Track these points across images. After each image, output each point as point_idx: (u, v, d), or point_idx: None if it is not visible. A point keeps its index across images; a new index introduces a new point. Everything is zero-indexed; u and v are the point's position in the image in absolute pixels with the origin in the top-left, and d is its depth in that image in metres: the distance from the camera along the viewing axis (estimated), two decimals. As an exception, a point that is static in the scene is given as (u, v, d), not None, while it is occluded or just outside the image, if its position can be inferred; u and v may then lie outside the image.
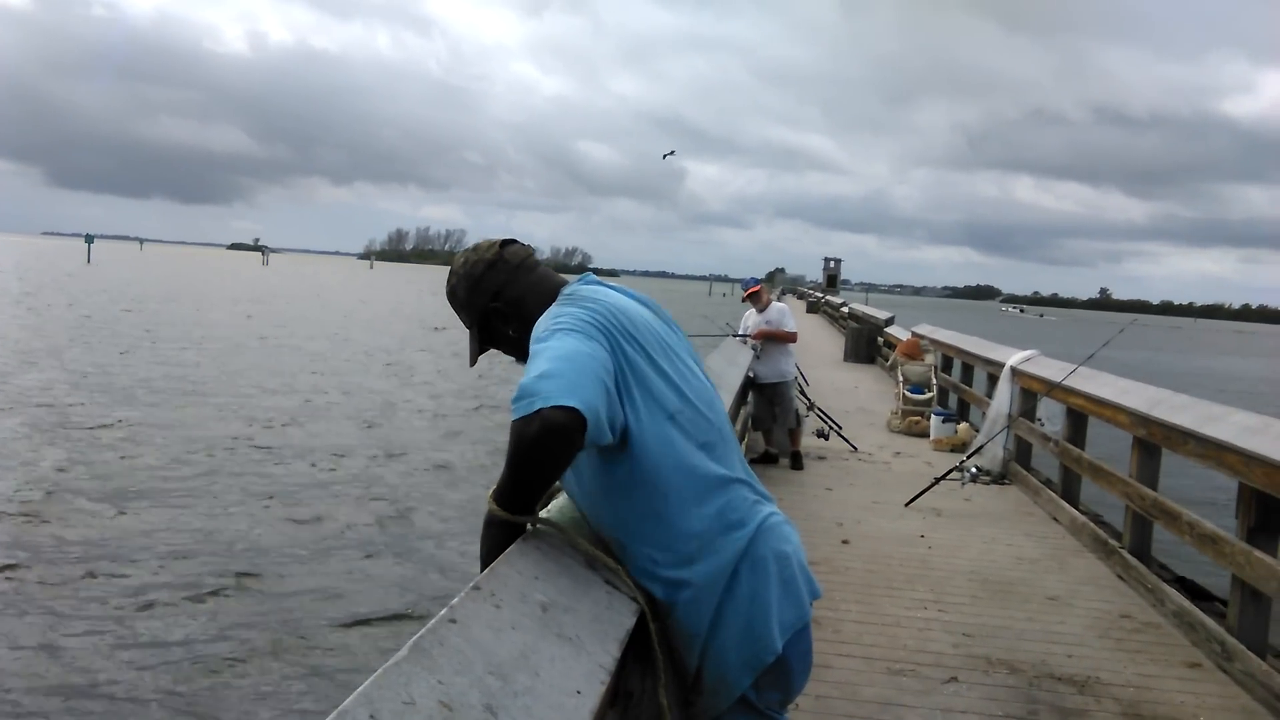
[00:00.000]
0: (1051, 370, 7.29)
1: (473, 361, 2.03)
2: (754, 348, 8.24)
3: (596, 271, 2.08)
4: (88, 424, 12.84)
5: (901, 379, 11.43)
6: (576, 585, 1.59)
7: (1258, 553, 3.94)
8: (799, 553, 1.82)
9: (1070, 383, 6.69)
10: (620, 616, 1.60)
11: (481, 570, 1.52)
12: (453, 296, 1.98)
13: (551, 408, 1.47)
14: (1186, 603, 4.64)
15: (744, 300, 8.82)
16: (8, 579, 7.15)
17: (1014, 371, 8.02)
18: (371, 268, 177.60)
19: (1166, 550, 5.80)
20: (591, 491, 1.78)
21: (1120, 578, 5.39)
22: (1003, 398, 8.06)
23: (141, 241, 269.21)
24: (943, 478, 7.14)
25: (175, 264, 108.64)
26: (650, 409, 1.69)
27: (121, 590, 7.07)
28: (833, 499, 7.14)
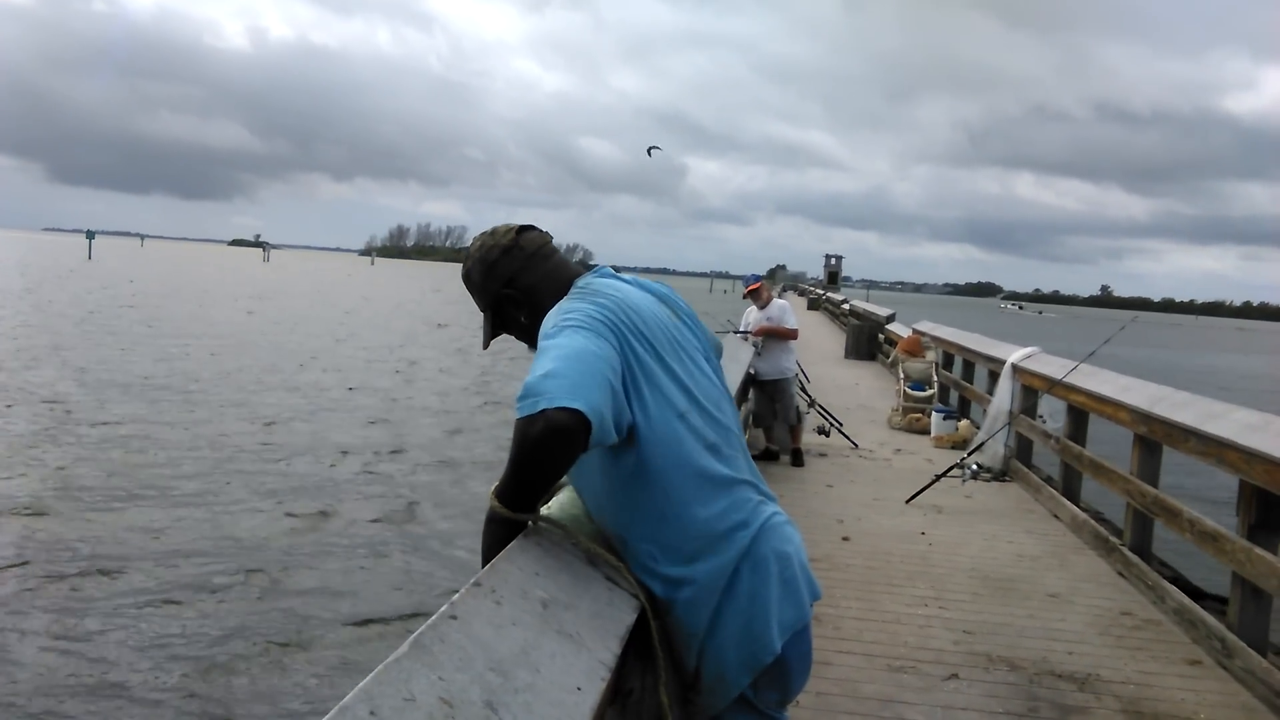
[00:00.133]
0: (1052, 367, 7.29)
1: (485, 344, 2.06)
2: (755, 344, 8.24)
3: None
4: (91, 421, 12.84)
5: (902, 376, 11.43)
6: (577, 582, 1.59)
7: (1258, 550, 3.94)
8: (800, 553, 1.81)
9: (1071, 380, 6.68)
10: (620, 613, 1.60)
11: (482, 566, 1.52)
12: (467, 279, 1.97)
13: (556, 409, 1.46)
14: (1187, 600, 4.64)
15: (745, 297, 8.81)
16: (13, 577, 7.15)
17: (1015, 369, 8.02)
18: (373, 264, 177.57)
19: (1168, 548, 5.80)
20: (596, 485, 1.78)
21: (1121, 575, 5.39)
22: (1004, 395, 8.06)
23: (143, 237, 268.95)
24: (943, 475, 7.14)
25: (176, 260, 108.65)
26: (659, 407, 1.69)
27: (125, 588, 7.07)
28: (833, 496, 7.14)
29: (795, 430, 8.36)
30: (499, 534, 1.61)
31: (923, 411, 10.46)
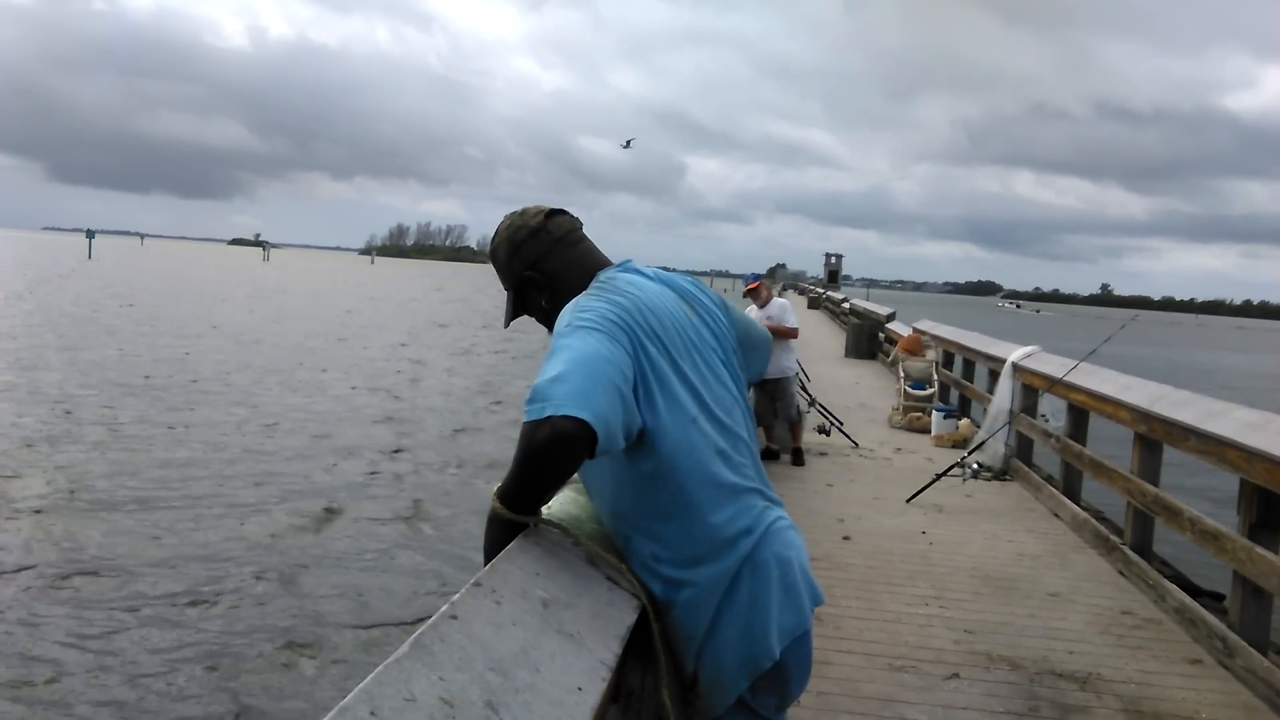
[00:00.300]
0: (1053, 366, 7.28)
1: (506, 323, 2.03)
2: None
3: None
4: (93, 421, 12.83)
5: (903, 375, 11.43)
6: (577, 582, 1.59)
7: (1259, 549, 3.93)
8: (802, 558, 1.80)
9: (1071, 379, 6.68)
10: (621, 613, 1.60)
11: (484, 566, 1.52)
12: (493, 257, 1.96)
13: (562, 416, 1.45)
14: (1188, 599, 4.64)
15: (745, 296, 8.81)
16: (17, 578, 7.15)
17: (1015, 367, 8.02)
18: (373, 263, 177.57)
19: (1168, 547, 5.80)
20: (605, 481, 1.77)
21: (1121, 574, 5.39)
22: (1004, 394, 8.06)
23: (142, 236, 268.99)
24: (944, 474, 7.14)
25: (176, 259, 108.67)
26: (671, 412, 1.67)
27: (128, 590, 7.06)
28: (834, 495, 7.14)
29: (795, 429, 8.36)
30: (500, 535, 1.60)
31: (923, 410, 10.46)
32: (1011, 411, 7.89)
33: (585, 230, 1.97)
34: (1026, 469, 7.75)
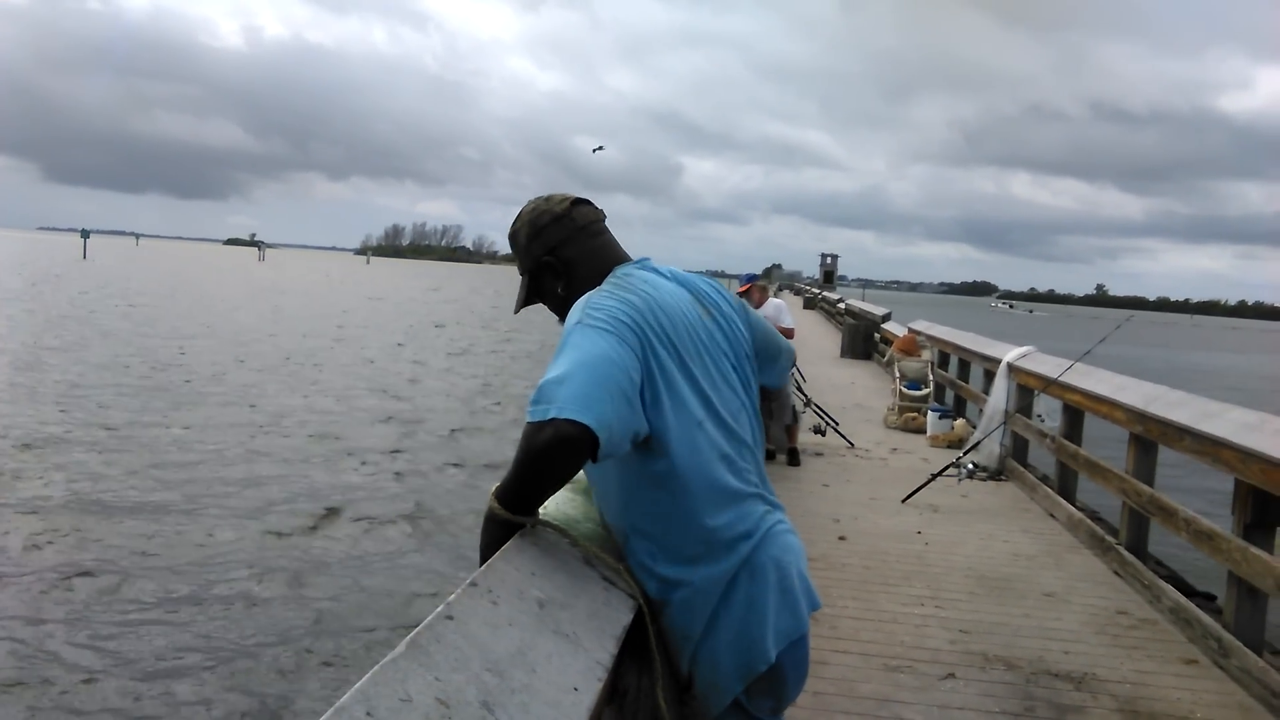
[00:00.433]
0: (1048, 366, 7.29)
1: (517, 309, 2.02)
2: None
3: None
4: (87, 425, 12.80)
5: (898, 375, 11.43)
6: (573, 582, 1.59)
7: (1254, 549, 3.94)
8: (801, 563, 1.79)
9: (1067, 379, 6.69)
10: (617, 613, 1.60)
11: (480, 566, 1.52)
12: (513, 239, 1.95)
13: (565, 420, 1.45)
14: (1183, 599, 4.65)
15: (739, 295, 8.80)
16: (21, 580, 7.13)
17: (1011, 368, 8.03)
18: (368, 263, 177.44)
19: (1163, 547, 5.81)
20: (609, 477, 1.76)
21: (1117, 574, 5.40)
22: (999, 394, 8.07)
23: (137, 236, 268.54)
24: (939, 474, 7.14)
25: (171, 259, 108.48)
26: (677, 415, 1.66)
27: (131, 593, 7.05)
28: (829, 495, 7.14)
29: (791, 429, 8.36)
30: (496, 534, 1.60)
31: (918, 411, 10.47)
32: (1007, 412, 7.90)
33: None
34: (1022, 469, 7.76)
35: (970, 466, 7.49)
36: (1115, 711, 3.66)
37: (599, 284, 1.79)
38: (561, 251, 1.87)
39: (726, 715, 1.76)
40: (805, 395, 9.87)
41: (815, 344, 20.94)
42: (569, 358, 1.55)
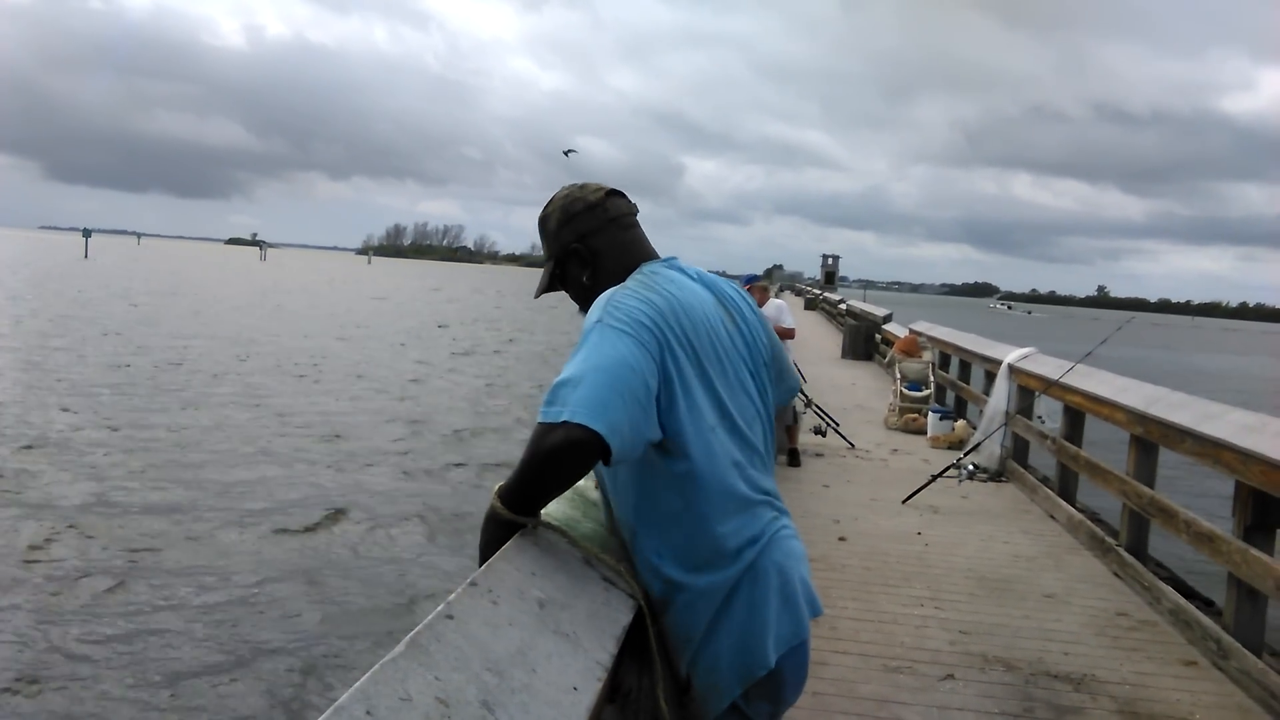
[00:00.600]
0: (1049, 368, 7.29)
1: (538, 294, 2.00)
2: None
3: None
4: (88, 427, 12.79)
5: (899, 376, 11.43)
6: (574, 582, 1.59)
7: (1254, 551, 3.94)
8: (803, 568, 1.79)
9: (1067, 380, 6.69)
10: (617, 613, 1.60)
11: (479, 565, 1.52)
12: (543, 223, 1.93)
13: (576, 424, 1.45)
14: (1182, 600, 4.64)
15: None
16: (28, 582, 7.15)
17: (1011, 369, 8.03)
18: (370, 263, 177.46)
19: (1164, 546, 5.81)
20: (620, 473, 1.74)
21: (1117, 575, 5.40)
22: (1000, 395, 8.06)
23: (139, 236, 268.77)
24: (940, 475, 7.14)
25: (173, 259, 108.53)
26: (692, 419, 1.66)
27: (135, 594, 7.05)
28: (830, 496, 7.14)
29: (792, 430, 8.35)
30: (497, 534, 1.60)
31: (919, 412, 10.47)
32: (1008, 413, 7.90)
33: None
34: (1022, 470, 7.76)
35: (971, 468, 7.49)
36: (1114, 713, 3.66)
37: (624, 278, 1.78)
38: (591, 241, 1.86)
39: (724, 718, 1.75)
40: (806, 396, 9.86)
41: (816, 345, 20.93)
42: (585, 359, 1.54)
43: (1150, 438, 5.21)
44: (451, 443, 13.53)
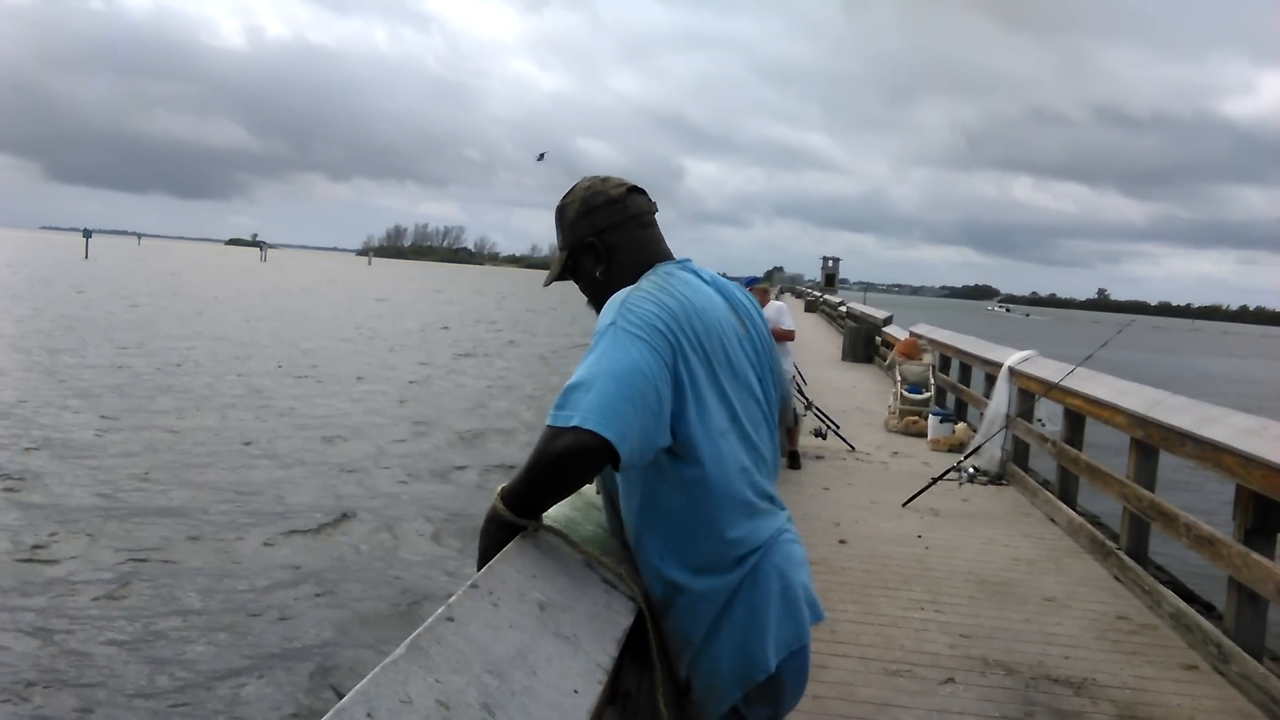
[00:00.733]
0: (1049, 371, 7.29)
1: (547, 282, 1.99)
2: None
3: None
4: (85, 427, 12.80)
5: (899, 379, 11.43)
6: (574, 584, 1.59)
7: (1255, 555, 3.94)
8: (804, 573, 1.79)
9: (1068, 383, 6.69)
10: (617, 616, 1.60)
11: (479, 567, 1.51)
12: (561, 212, 1.92)
13: (586, 430, 1.44)
14: (1183, 604, 4.64)
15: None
16: (33, 584, 7.14)
17: (1012, 372, 8.02)
18: (370, 264, 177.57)
19: (1165, 551, 5.81)
20: (631, 479, 1.74)
21: (1117, 579, 5.40)
22: (1001, 398, 8.06)
23: (139, 236, 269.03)
24: (940, 478, 7.14)
25: (174, 259, 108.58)
26: (702, 424, 1.65)
27: (129, 597, 7.04)
28: (830, 499, 7.14)
29: (792, 432, 8.36)
30: (497, 536, 1.59)
31: (919, 414, 10.46)
32: (1008, 416, 7.90)
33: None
34: (1023, 473, 7.76)
35: (971, 470, 7.49)
36: (1115, 717, 3.65)
37: (637, 276, 1.78)
38: (608, 236, 1.85)
39: None
40: (806, 398, 9.88)
41: (816, 347, 20.94)
42: (598, 363, 1.53)
43: (1151, 441, 5.20)
44: (455, 444, 13.52)
